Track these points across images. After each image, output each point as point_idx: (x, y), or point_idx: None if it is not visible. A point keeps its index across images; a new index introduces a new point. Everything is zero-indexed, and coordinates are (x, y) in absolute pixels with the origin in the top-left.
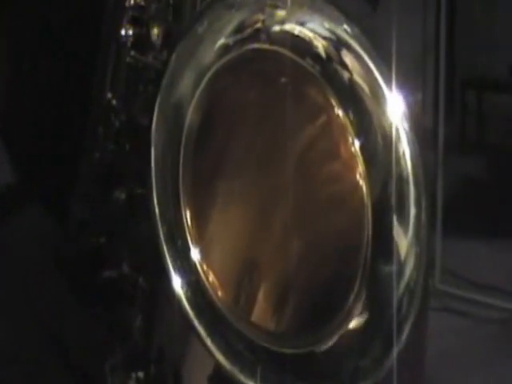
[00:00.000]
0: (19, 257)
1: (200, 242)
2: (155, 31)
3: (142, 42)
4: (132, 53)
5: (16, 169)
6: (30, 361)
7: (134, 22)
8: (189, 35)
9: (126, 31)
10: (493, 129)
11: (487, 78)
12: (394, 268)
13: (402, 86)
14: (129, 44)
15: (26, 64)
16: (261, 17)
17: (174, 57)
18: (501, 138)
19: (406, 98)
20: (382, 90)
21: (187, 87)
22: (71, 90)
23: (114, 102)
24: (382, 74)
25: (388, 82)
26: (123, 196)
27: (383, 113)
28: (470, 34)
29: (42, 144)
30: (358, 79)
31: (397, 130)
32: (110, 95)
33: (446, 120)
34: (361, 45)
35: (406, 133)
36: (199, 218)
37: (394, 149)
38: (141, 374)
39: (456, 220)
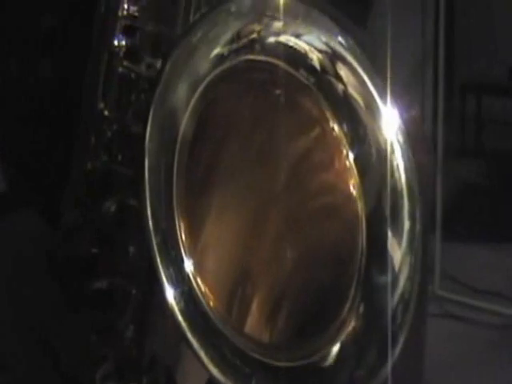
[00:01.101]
0: (10, 263)
1: (193, 252)
2: (148, 41)
3: (134, 51)
4: (124, 62)
5: (8, 175)
6: (20, 369)
7: (127, 32)
8: (183, 44)
9: (118, 41)
10: (492, 133)
11: (486, 82)
12: (389, 278)
13: (397, 100)
14: (121, 54)
15: (19, 71)
16: (257, 27)
17: (168, 65)
18: (500, 143)
19: (401, 112)
20: (376, 103)
21: (182, 96)
22: (64, 98)
23: (106, 111)
24: (376, 87)
25: (383, 95)
26: (115, 206)
27: (378, 126)
28: (468, 39)
29: (35, 151)
30: (353, 92)
31: (391, 143)
32: (102, 105)
33: (445, 124)
34: (356, 58)
35: (401, 146)
36: (193, 228)
37: (388, 162)
38: None
39: (455, 225)
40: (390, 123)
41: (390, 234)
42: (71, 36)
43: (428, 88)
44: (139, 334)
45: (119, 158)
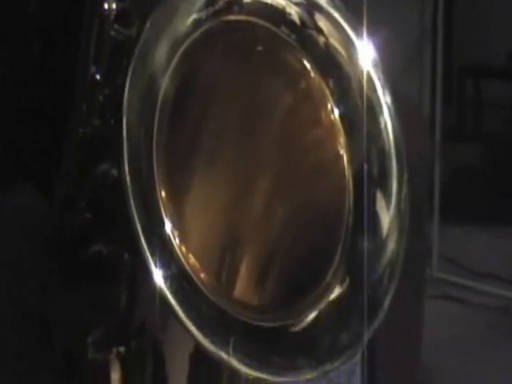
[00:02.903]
0: (3, 233)
1: (178, 222)
2: (139, 5)
3: (125, 15)
4: (115, 26)
5: (1, 147)
6: (10, 336)
7: None
8: (163, 4)
9: (109, 4)
10: (491, 116)
11: (485, 65)
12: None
13: (372, 35)
14: (112, 17)
15: (8, 39)
16: None
17: (148, 25)
18: (499, 126)
19: (376, 45)
20: (354, 46)
21: (162, 57)
22: (55, 64)
23: (97, 76)
24: (357, 34)
25: (360, 34)
26: (108, 171)
27: (360, 72)
28: (467, 22)
29: (27, 120)
30: (334, 42)
31: (378, 101)
32: (93, 69)
33: (443, 108)
34: (332, 5)
35: (388, 107)
36: (176, 197)
37: (365, 100)
38: (122, 349)
39: (453, 208)
40: (369, 62)
41: (377, 195)
42: (62, 1)
43: (426, 71)
44: (131, 300)
45: (111, 122)
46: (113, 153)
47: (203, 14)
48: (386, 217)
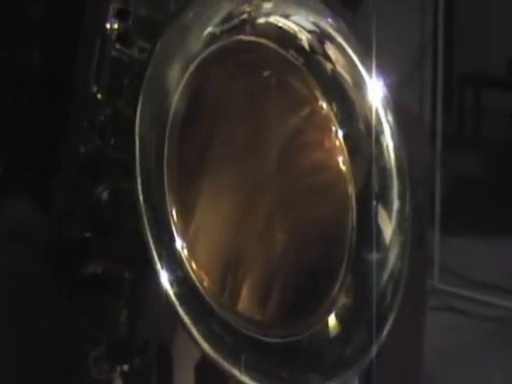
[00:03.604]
0: (3, 246)
1: (186, 235)
2: (141, 25)
3: (127, 35)
4: (117, 46)
5: (0, 159)
6: (12, 352)
7: (119, 15)
8: (174, 25)
9: (111, 24)
10: (491, 125)
11: (485, 74)
12: (375, 256)
13: (381, 73)
14: (114, 37)
15: (11, 54)
16: (247, 8)
17: (158, 45)
18: (499, 135)
19: (386, 82)
20: (363, 79)
21: (172, 77)
22: (57, 82)
23: (99, 95)
24: (364, 64)
25: (369, 70)
26: (108, 190)
27: (366, 103)
28: (467, 30)
29: (27, 135)
30: (341, 70)
31: (380, 123)
32: (95, 88)
33: (443, 116)
34: (344, 37)
35: (390, 126)
36: (185, 212)
37: (373, 131)
38: (125, 367)
39: (454, 218)
40: (379, 99)
41: (380, 208)
42: (65, 20)
43: (427, 80)
44: (132, 317)
45: (112, 142)
46: (113, 171)
47: (218, 30)
48: (388, 231)
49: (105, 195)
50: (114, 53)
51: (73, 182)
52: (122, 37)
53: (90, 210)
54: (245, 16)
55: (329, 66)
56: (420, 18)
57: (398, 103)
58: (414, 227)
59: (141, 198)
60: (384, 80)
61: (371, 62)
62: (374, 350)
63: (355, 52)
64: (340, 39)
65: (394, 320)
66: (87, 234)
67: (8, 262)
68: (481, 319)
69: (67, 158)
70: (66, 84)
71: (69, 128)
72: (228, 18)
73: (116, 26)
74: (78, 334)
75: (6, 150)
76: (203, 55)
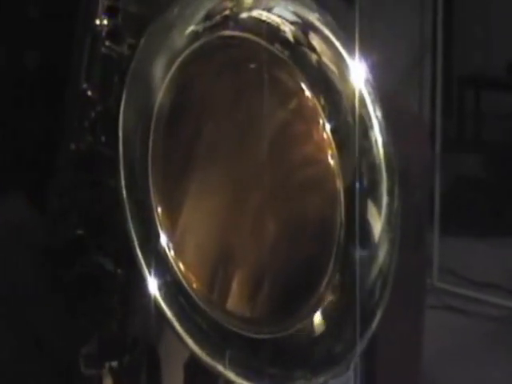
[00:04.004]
0: None
1: (172, 235)
2: (130, 22)
3: (116, 32)
4: (107, 43)
5: None
6: (3, 349)
7: (109, 12)
8: (159, 21)
9: (100, 21)
10: (490, 127)
11: (485, 75)
12: (360, 252)
13: (365, 52)
14: (104, 34)
15: (6, 52)
16: (229, 4)
17: (143, 41)
18: (499, 136)
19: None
20: (348, 69)
21: (158, 72)
22: (47, 80)
23: (89, 92)
24: (350, 54)
25: (352, 55)
26: (100, 187)
27: (351, 89)
28: (467, 32)
29: (19, 134)
30: (327, 61)
31: (368, 116)
32: (85, 86)
33: (443, 118)
34: (328, 27)
35: (379, 121)
36: (171, 210)
37: (357, 117)
38: (114, 364)
39: (453, 218)
40: (364, 89)
41: (368, 207)
42: (54, 17)
43: (426, 82)
44: (123, 315)
45: (103, 139)
46: (105, 168)
47: (200, 27)
48: (378, 227)
49: (97, 192)
50: (103, 50)
51: (66, 179)
52: (112, 34)
53: (84, 207)
54: (227, 12)
55: (314, 57)
56: (419, 20)
57: (385, 95)
58: (414, 227)
59: (124, 193)
60: (369, 67)
61: (354, 47)
62: (359, 347)
63: (340, 42)
64: (324, 29)
65: (381, 316)
66: (80, 232)
67: (1, 260)
68: (480, 319)
69: (60, 156)
70: (60, 82)
71: (61, 126)
72: (210, 15)
73: (106, 22)
74: (69, 331)
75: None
76: (187, 52)
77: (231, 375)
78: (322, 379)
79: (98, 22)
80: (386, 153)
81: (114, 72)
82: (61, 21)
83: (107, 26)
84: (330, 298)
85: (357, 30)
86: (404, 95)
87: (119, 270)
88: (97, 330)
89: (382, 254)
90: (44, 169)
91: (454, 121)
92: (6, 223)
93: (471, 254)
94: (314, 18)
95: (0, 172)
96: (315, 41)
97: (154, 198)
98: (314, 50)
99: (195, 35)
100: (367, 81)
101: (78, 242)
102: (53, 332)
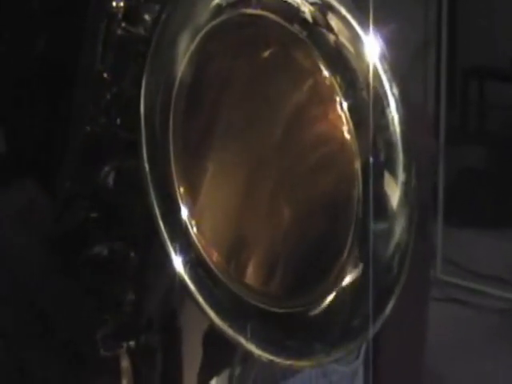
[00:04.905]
0: (8, 229)
1: (193, 212)
2: (146, 3)
3: (132, 13)
4: (123, 24)
5: (4, 143)
6: (19, 334)
7: None
8: None
9: (116, 2)
10: (494, 118)
11: (489, 67)
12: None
13: (378, 30)
14: (119, 16)
15: (14, 34)
16: None
17: (165, 15)
18: (502, 128)
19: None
20: (362, 42)
21: (178, 49)
22: (62, 62)
23: (104, 74)
24: (362, 27)
25: (367, 31)
26: (114, 170)
27: (367, 67)
28: (471, 24)
29: (31, 117)
30: (344, 41)
31: (385, 94)
32: (100, 67)
33: (447, 110)
34: (346, 7)
35: (396, 99)
36: (191, 188)
37: (371, 92)
38: (132, 343)
39: (457, 210)
40: (380, 67)
41: (385, 179)
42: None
43: (430, 74)
44: (138, 295)
45: (118, 121)
46: (119, 151)
47: (224, 1)
48: (395, 200)
49: (111, 175)
50: (119, 31)
51: (79, 162)
52: (128, 15)
53: (96, 190)
54: None
55: (332, 37)
56: (423, 12)
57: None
58: (417, 217)
59: (148, 176)
60: (383, 41)
61: (369, 22)
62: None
63: (357, 21)
64: (342, 9)
65: (399, 294)
66: (93, 215)
67: (14, 245)
68: (483, 311)
69: (73, 139)
70: (72, 64)
71: (74, 108)
72: None
73: (122, 4)
74: (84, 313)
75: (11, 132)
76: (209, 26)
77: (252, 347)
78: (341, 353)
79: (113, 3)
80: (402, 130)
81: (130, 53)
82: (73, 3)
83: (123, 7)
84: (348, 273)
85: (371, 4)
86: (407, 86)
87: (132, 252)
88: (112, 312)
89: (398, 229)
90: (56, 151)
91: (457, 112)
92: (17, 206)
93: (475, 246)
94: None
95: (11, 155)
96: (333, 21)
97: (175, 175)
98: (331, 30)
99: (219, 9)
100: (383, 57)
101: (90, 224)
102: (69, 315)
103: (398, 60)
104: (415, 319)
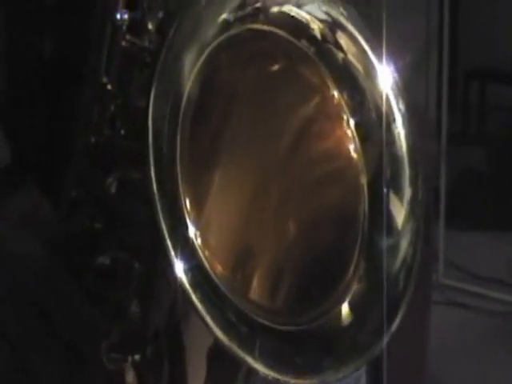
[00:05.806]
0: (12, 237)
1: (199, 223)
2: (151, 15)
3: (137, 25)
4: (127, 36)
5: (9, 148)
6: (25, 345)
7: (130, 5)
8: (189, 10)
9: (121, 14)
10: (496, 120)
11: (491, 69)
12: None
13: (392, 60)
14: (124, 27)
15: (21, 46)
16: None
17: (172, 31)
18: (504, 131)
19: (397, 69)
20: (374, 68)
21: (186, 63)
22: (66, 72)
23: (109, 85)
24: (374, 52)
25: (380, 58)
26: (118, 180)
27: (377, 90)
28: (473, 26)
29: (37, 126)
30: (352, 59)
31: (392, 111)
32: (105, 79)
33: (449, 112)
34: (355, 26)
35: (402, 114)
36: (197, 200)
37: (384, 117)
38: (137, 357)
39: (459, 213)
40: (389, 87)
41: (391, 198)
42: (74, 10)
43: (432, 75)
44: (143, 307)
45: (122, 132)
46: (123, 161)
47: (232, 17)
48: (400, 217)
49: (115, 185)
50: (124, 43)
51: (83, 172)
52: (133, 27)
53: (100, 200)
54: (259, 4)
55: (340, 55)
56: (425, 14)
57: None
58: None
59: (154, 186)
60: (395, 66)
61: (382, 50)
62: (385, 338)
63: (366, 40)
64: (351, 28)
65: (406, 308)
66: (97, 225)
67: (18, 253)
68: (485, 314)
69: (77, 149)
70: (78, 74)
71: (79, 118)
72: (242, 5)
73: (126, 16)
74: (89, 325)
75: (15, 140)
76: (217, 41)
77: (260, 367)
78: (350, 369)
79: (118, 15)
80: (408, 145)
81: (135, 65)
82: (78, 12)
83: (128, 19)
84: (354, 288)
85: (384, 35)
86: (409, 89)
87: (136, 263)
88: (116, 324)
89: (405, 245)
90: (60, 161)
91: (459, 114)
92: (22, 215)
93: (477, 249)
94: (343, 17)
95: (16, 163)
96: (342, 39)
97: (181, 187)
98: (340, 48)
99: (226, 24)
100: (394, 82)
101: (94, 234)
102: (73, 326)
103: (403, 67)
104: (417, 323)
